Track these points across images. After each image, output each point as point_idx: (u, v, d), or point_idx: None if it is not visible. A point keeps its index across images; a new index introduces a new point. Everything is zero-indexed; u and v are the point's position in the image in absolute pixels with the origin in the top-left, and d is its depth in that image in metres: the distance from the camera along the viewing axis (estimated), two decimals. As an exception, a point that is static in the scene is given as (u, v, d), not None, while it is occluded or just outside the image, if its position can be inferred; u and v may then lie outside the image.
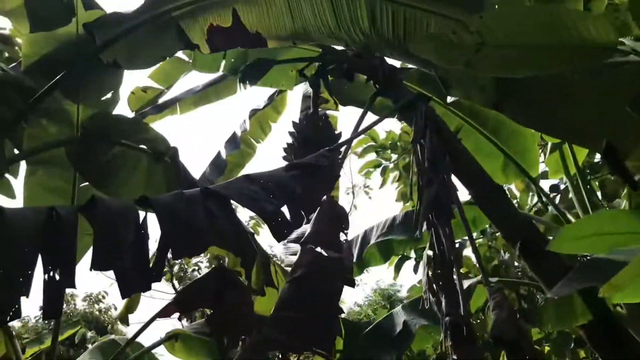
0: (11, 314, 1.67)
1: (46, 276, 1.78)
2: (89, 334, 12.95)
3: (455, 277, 2.82)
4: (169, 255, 2.00)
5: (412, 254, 6.44)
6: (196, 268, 12.13)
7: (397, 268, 6.47)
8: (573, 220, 4.03)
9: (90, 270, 1.80)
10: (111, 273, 1.82)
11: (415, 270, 6.48)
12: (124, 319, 3.71)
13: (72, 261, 1.83)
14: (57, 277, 1.78)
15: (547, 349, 5.75)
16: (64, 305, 16.48)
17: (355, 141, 6.97)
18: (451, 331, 2.45)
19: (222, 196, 2.18)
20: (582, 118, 1.72)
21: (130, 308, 3.67)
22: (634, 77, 1.59)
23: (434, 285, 2.75)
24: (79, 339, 10.61)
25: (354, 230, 4.83)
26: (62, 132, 2.96)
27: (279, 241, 2.40)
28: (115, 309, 16.58)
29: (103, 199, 2.00)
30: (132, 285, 1.90)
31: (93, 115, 2.97)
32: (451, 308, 2.58)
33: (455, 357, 2.31)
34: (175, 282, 11.82)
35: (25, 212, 1.91)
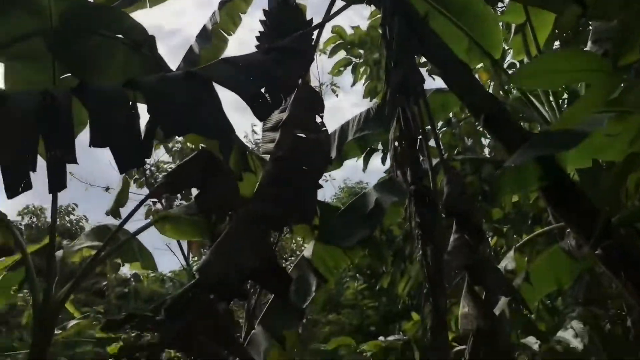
0: (22, 185, 1.83)
1: (49, 154, 1.92)
2: (65, 242, 13.18)
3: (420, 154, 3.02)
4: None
5: (380, 146, 6.65)
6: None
7: (366, 160, 6.71)
8: (535, 101, 4.24)
9: (90, 146, 1.94)
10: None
11: (384, 161, 6.74)
12: (115, 212, 3.85)
13: (71, 138, 1.96)
14: (59, 154, 1.92)
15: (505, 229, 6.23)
16: (34, 219, 16.57)
17: (323, 40, 6.92)
18: (415, 198, 2.69)
19: (204, 78, 2.28)
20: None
21: (120, 201, 3.80)
22: None
23: (401, 160, 2.96)
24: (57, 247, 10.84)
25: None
26: (34, 23, 2.92)
27: (261, 120, 2.55)
28: (87, 220, 16.73)
29: (92, 84, 2.10)
30: (128, 160, 2.05)
31: (71, 5, 2.91)
32: (415, 179, 2.82)
33: (418, 220, 2.55)
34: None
35: (20, 97, 1.99)
